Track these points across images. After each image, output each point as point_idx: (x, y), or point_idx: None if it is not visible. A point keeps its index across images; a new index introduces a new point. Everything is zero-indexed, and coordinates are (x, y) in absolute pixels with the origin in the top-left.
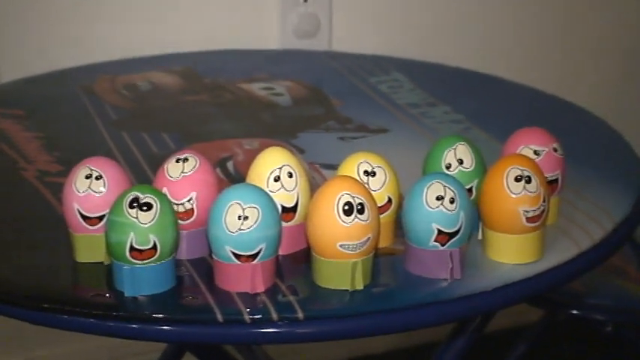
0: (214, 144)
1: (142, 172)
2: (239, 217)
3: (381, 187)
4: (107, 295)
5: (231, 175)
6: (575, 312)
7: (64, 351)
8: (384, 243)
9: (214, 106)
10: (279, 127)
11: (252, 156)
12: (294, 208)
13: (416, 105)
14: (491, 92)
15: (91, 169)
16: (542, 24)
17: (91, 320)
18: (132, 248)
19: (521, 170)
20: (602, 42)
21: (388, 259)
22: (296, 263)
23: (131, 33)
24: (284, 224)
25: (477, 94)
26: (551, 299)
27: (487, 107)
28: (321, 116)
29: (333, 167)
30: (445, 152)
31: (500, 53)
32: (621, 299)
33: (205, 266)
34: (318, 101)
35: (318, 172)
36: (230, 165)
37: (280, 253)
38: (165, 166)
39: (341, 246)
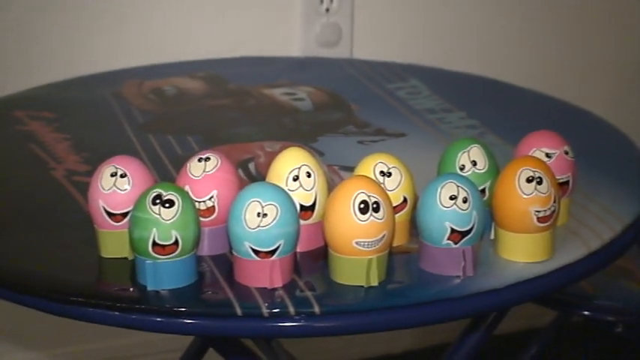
0: (237, 146)
1: (167, 172)
2: (258, 215)
3: (397, 187)
4: (131, 289)
5: (253, 175)
6: (585, 313)
7: (92, 347)
8: (399, 241)
9: (237, 111)
10: (300, 131)
11: (273, 158)
12: (312, 207)
13: (433, 111)
14: (506, 99)
15: (116, 168)
16: (556, 34)
17: (115, 313)
18: (154, 243)
19: (533, 171)
20: (614, 52)
21: (403, 257)
22: (313, 260)
23: (158, 40)
24: (302, 222)
25: (492, 100)
26: (563, 300)
27: (501, 113)
28: (340, 121)
29: (351, 169)
30: (459, 154)
31: (514, 61)
32: (631, 301)
33: (226, 262)
34: (337, 106)
35: (337, 173)
36: (252, 166)
37: (298, 250)
38: (188, 165)
39: (357, 243)
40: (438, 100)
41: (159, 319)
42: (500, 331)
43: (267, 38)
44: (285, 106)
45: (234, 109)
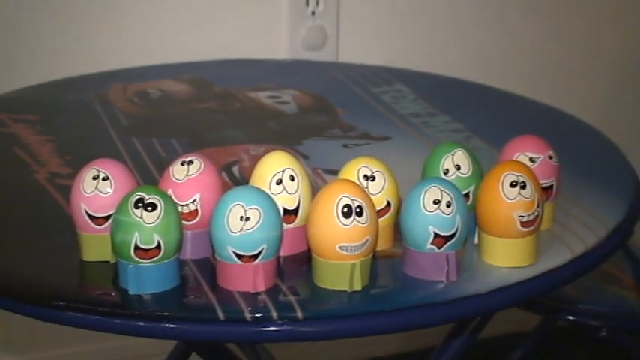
0: (221, 150)
1: (151, 175)
2: (241, 219)
3: (380, 191)
4: (112, 293)
5: (237, 179)
6: (570, 317)
7: (75, 351)
8: (383, 246)
9: (222, 114)
10: (285, 134)
11: (257, 161)
12: (295, 211)
13: (418, 115)
14: (491, 103)
15: (99, 171)
16: (542, 38)
17: (97, 317)
18: (136, 247)
19: (517, 176)
20: (603, 53)
21: (387, 261)
22: (297, 265)
23: (143, 42)
24: (286, 226)
25: (477, 104)
26: (547, 305)
27: (486, 117)
28: (325, 124)
29: (336, 173)
30: (443, 158)
31: (500, 66)
32: (615, 305)
33: (209, 266)
34: (322, 110)
35: (321, 177)
36: (236, 170)
37: (282, 254)
38: (171, 169)
39: (340, 247)
40: (423, 104)
41: (141, 324)
42: (484, 335)
43: (253, 41)
44: (270, 110)
45: (219, 112)
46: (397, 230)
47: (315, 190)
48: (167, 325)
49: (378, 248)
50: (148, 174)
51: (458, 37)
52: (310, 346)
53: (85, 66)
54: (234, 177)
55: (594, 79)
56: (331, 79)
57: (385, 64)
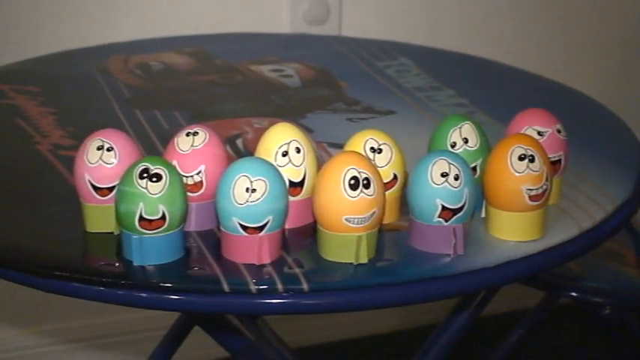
0: (224, 122)
1: (154, 147)
2: (247, 190)
3: (387, 164)
4: (116, 264)
5: (241, 152)
6: (573, 294)
7: (78, 324)
8: (389, 219)
9: (225, 87)
10: (288, 108)
11: (261, 134)
12: (301, 183)
13: (422, 89)
14: (496, 78)
15: (103, 141)
16: (545, 14)
17: (101, 288)
18: (141, 218)
19: (525, 149)
20: (602, 32)
21: (393, 234)
22: (302, 237)
23: (145, 15)
24: (291, 199)
25: (482, 79)
26: (551, 281)
27: (491, 92)
28: (329, 98)
29: (340, 146)
30: (450, 131)
31: (504, 40)
32: (619, 283)
33: (213, 238)
34: (326, 83)
35: (326, 150)
36: (239, 142)
37: (287, 227)
38: (176, 140)
39: (346, 220)
40: (427, 78)
41: (144, 295)
42: (488, 312)
43: (255, 15)
44: (273, 83)
45: (222, 85)
46: (403, 203)
47: (320, 163)
48: (171, 296)
49: (385, 221)
50: (152, 145)
51: (461, 12)
52: (310, 324)
53: (86, 39)
54: (238, 149)
55: (602, 55)
56: (334, 52)
57: (388, 39)
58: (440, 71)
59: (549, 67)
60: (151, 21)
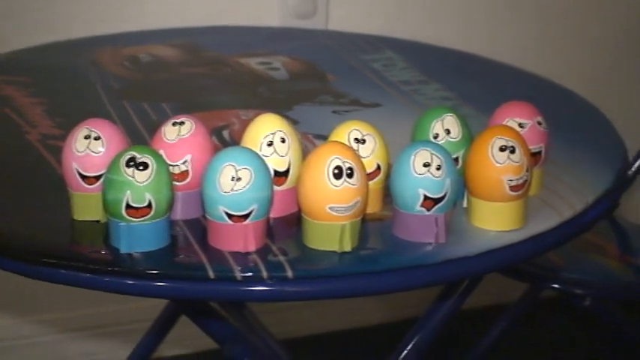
0: (212, 114)
1: (142, 137)
2: (232, 178)
3: (371, 154)
4: (103, 251)
5: (227, 142)
6: (555, 286)
7: (67, 316)
8: (373, 209)
9: (213, 79)
10: (275, 100)
11: (247, 125)
12: (286, 173)
13: (408, 82)
14: (482, 72)
15: (90, 130)
16: (534, 9)
17: (88, 275)
18: (128, 206)
19: (506, 140)
20: (592, 29)
21: (376, 224)
22: (287, 226)
23: (135, 7)
24: (276, 188)
25: (468, 73)
26: (533, 273)
27: (477, 86)
28: (315, 90)
29: (326, 138)
30: (433, 122)
31: (491, 35)
32: (600, 275)
33: (199, 227)
34: (313, 76)
35: (311, 141)
36: (226, 133)
37: (272, 216)
38: (163, 129)
39: (330, 208)
40: (414, 72)
41: (131, 282)
42: (471, 305)
43: (244, 8)
44: (261, 76)
45: (210, 78)
46: (387, 194)
47: (305, 154)
48: (157, 283)
49: (368, 211)
50: (139, 136)
51: (448, 6)
52: (296, 316)
53: (76, 31)
54: (225, 140)
55: (583, 50)
56: (322, 46)
57: (375, 33)
58: (426, 65)
59: (538, 62)
60: (140, 13)
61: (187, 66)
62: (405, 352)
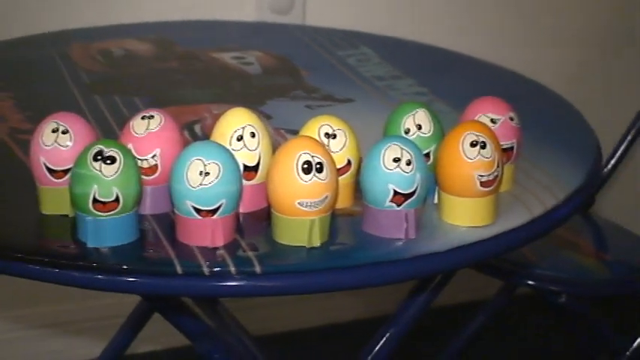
0: (184, 108)
1: (112, 132)
2: (200, 173)
3: (341, 149)
4: (71, 246)
5: (199, 137)
6: (530, 282)
7: (40, 311)
8: (343, 204)
9: (185, 74)
10: (248, 95)
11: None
12: (255, 168)
13: (382, 78)
14: (456, 68)
15: (58, 124)
16: (510, 6)
17: (55, 270)
18: (95, 200)
19: (477, 136)
20: (568, 26)
21: (346, 219)
22: (257, 221)
23: (108, 1)
24: (246, 183)
25: (442, 69)
26: (508, 269)
27: (450, 82)
28: (289, 85)
29: (298, 133)
30: (404, 117)
31: (466, 32)
32: (575, 272)
33: (168, 221)
34: (286, 71)
35: (283, 136)
36: (198, 128)
37: (241, 211)
38: (131, 123)
39: (299, 203)
40: (388, 67)
41: (99, 277)
42: (446, 302)
43: (220, 3)
44: (234, 70)
45: (183, 72)
46: (357, 189)
47: (275, 149)
48: (125, 278)
49: (338, 206)
50: (110, 131)
51: (424, 2)
52: (270, 312)
53: (48, 24)
54: (196, 135)
55: (559, 47)
56: (296, 41)
57: (351, 28)
58: (400, 60)
59: (513, 59)
60: (113, 7)
61: (160, 60)
62: (377, 347)
